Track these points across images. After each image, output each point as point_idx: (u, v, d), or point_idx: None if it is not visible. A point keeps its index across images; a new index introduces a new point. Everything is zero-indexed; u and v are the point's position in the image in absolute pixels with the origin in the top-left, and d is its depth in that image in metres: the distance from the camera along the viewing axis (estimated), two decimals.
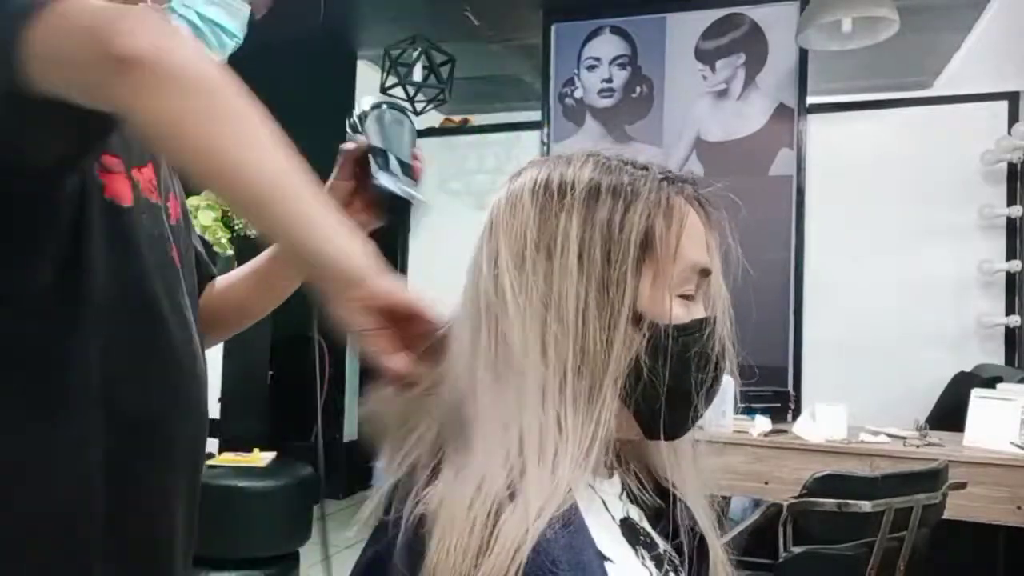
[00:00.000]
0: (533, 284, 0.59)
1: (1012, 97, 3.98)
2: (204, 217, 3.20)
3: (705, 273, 0.62)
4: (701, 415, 0.62)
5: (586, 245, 0.58)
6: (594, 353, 0.57)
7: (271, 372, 3.64)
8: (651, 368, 0.59)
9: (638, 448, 0.67)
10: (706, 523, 0.67)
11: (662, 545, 0.66)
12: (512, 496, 0.53)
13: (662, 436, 0.62)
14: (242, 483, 2.80)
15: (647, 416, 0.61)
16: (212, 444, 3.17)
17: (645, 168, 0.63)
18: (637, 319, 0.59)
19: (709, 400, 0.62)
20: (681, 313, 0.60)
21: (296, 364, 3.99)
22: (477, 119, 4.89)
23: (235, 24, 0.88)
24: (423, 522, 0.53)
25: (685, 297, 0.61)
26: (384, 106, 0.90)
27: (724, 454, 2.64)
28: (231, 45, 0.89)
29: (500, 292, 0.59)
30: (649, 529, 0.66)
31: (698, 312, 0.62)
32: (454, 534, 0.51)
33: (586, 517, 0.57)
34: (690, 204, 0.62)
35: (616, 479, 0.66)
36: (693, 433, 0.64)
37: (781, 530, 1.82)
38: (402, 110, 0.92)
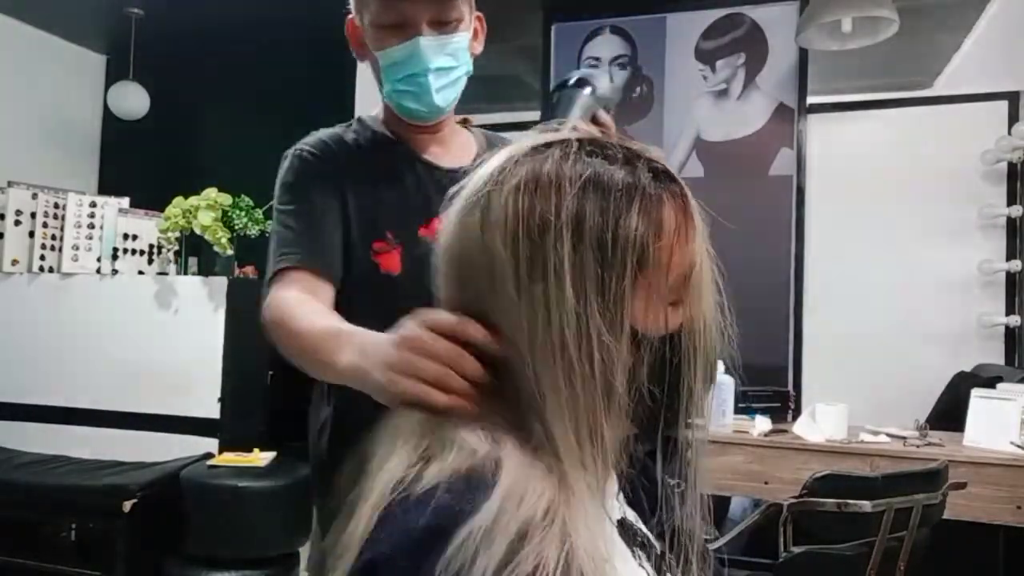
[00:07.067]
0: (529, 307, 0.56)
1: (1012, 97, 3.97)
2: (204, 217, 3.20)
3: (694, 273, 0.60)
4: (700, 414, 0.62)
5: (579, 270, 0.55)
6: (595, 376, 0.55)
7: (271, 372, 3.63)
8: (648, 378, 0.58)
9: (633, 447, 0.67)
10: (702, 524, 0.67)
11: (659, 546, 0.65)
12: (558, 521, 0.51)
13: (660, 437, 0.61)
14: (242, 483, 2.79)
15: (645, 419, 0.60)
16: (212, 444, 3.17)
17: (630, 163, 0.59)
18: (634, 335, 0.57)
19: (706, 396, 0.61)
20: (674, 320, 0.59)
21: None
22: (477, 119, 4.87)
23: (412, 69, 1.12)
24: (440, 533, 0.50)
25: (675, 303, 0.59)
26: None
27: (724, 454, 2.64)
28: (435, 83, 1.13)
29: (492, 311, 0.57)
30: (645, 530, 0.66)
31: (688, 313, 0.60)
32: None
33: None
34: (677, 201, 0.59)
35: (613, 479, 0.66)
36: (692, 432, 0.64)
37: (781, 530, 1.82)
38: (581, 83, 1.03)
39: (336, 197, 1.16)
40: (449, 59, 1.12)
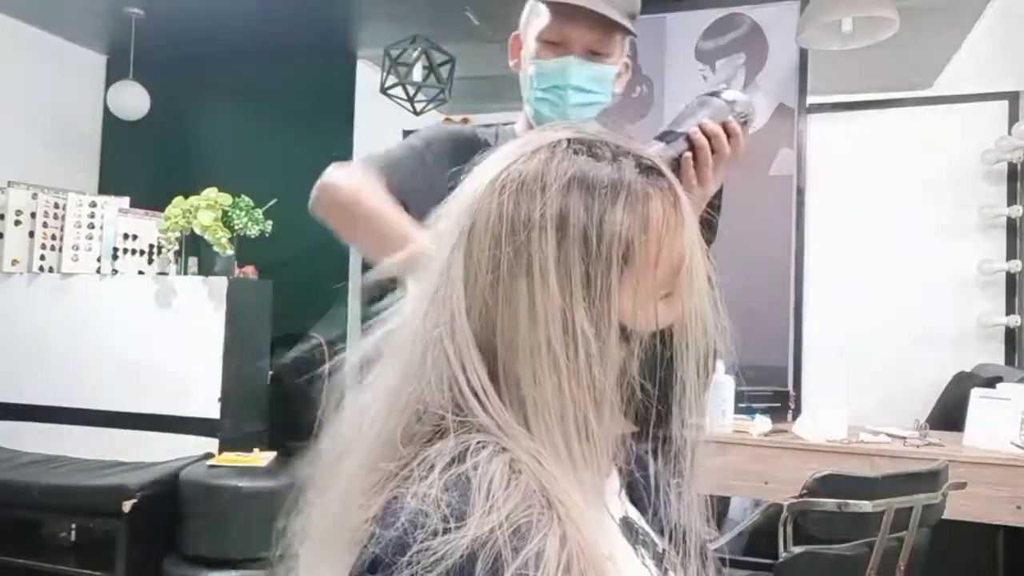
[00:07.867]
0: (511, 304, 0.55)
1: (1012, 97, 3.98)
2: (204, 217, 3.20)
3: (684, 267, 0.59)
4: (695, 410, 0.61)
5: (564, 266, 0.54)
6: (580, 371, 0.55)
7: (271, 372, 3.63)
8: (641, 374, 0.58)
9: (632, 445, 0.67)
10: (702, 523, 0.66)
11: (661, 544, 0.65)
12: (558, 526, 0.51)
13: (656, 435, 0.61)
14: (242, 483, 2.79)
15: (641, 417, 0.60)
16: (212, 444, 3.17)
17: (616, 158, 0.58)
18: (624, 331, 0.56)
19: (703, 393, 0.61)
20: (665, 315, 0.59)
21: (296, 363, 3.99)
22: (477, 119, 4.88)
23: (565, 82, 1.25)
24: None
25: (666, 297, 0.59)
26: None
27: (724, 454, 2.64)
28: (573, 98, 1.25)
29: (476, 312, 0.57)
30: (648, 528, 0.66)
31: (680, 308, 0.59)
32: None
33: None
34: (665, 196, 0.58)
35: (614, 477, 0.65)
36: (691, 432, 0.63)
37: (781, 530, 1.82)
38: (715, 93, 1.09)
39: (438, 173, 1.25)
40: (592, 83, 1.27)
